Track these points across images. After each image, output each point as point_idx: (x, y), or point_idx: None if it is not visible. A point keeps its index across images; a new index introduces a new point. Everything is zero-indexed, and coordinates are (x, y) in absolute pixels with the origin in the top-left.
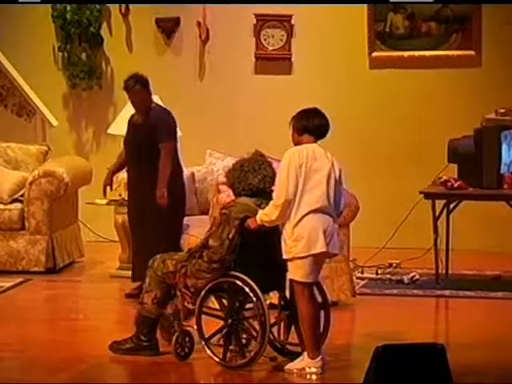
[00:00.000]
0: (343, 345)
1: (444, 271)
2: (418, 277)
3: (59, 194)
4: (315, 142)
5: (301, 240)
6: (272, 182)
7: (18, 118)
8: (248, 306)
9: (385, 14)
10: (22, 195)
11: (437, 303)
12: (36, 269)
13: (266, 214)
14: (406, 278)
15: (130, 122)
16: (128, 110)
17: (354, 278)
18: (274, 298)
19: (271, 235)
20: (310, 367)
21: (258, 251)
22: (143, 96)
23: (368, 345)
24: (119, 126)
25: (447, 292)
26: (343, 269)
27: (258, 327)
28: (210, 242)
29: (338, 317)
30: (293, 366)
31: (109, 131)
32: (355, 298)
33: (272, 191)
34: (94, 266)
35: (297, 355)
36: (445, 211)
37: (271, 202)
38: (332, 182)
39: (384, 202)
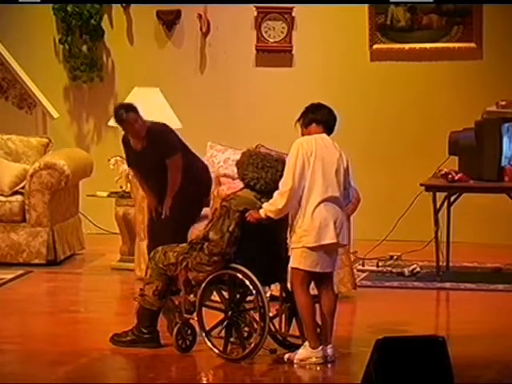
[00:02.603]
0: (344, 337)
1: (445, 263)
2: (418, 269)
3: (60, 187)
4: (323, 132)
5: (312, 230)
6: (267, 187)
7: (18, 111)
8: (249, 298)
9: (386, 6)
10: (22, 187)
11: (437, 296)
12: (37, 261)
13: (272, 204)
14: (406, 271)
15: (129, 146)
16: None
17: (355, 270)
18: (275, 289)
19: (274, 227)
20: (311, 357)
21: (261, 243)
22: (139, 122)
23: (368, 337)
24: None
25: (448, 284)
26: (344, 261)
27: (258, 319)
28: (211, 234)
29: (339, 309)
30: (294, 356)
31: (110, 123)
32: (356, 290)
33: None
34: (95, 259)
35: (298, 347)
36: (445, 204)
37: (276, 192)
38: (341, 171)
39: (385, 194)
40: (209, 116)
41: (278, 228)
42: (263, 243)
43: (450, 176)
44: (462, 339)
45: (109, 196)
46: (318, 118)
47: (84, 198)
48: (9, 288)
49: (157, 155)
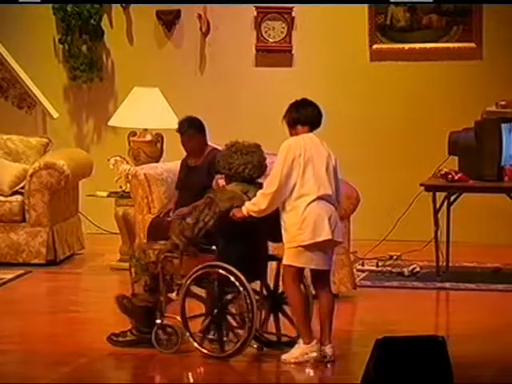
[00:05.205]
0: (343, 337)
1: (444, 263)
2: (418, 269)
3: (60, 186)
4: (310, 131)
5: (306, 228)
6: (255, 171)
7: (18, 110)
8: (230, 295)
9: (386, 6)
10: (22, 187)
11: (437, 295)
12: (36, 261)
13: (255, 204)
14: (406, 271)
15: (185, 164)
16: (129, 103)
17: (355, 270)
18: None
19: (256, 224)
20: (306, 353)
21: (243, 241)
22: (196, 140)
23: (368, 337)
24: (120, 118)
25: (448, 284)
26: (344, 261)
27: (245, 316)
28: (188, 219)
29: (339, 309)
30: (289, 356)
31: (109, 123)
32: (356, 290)
33: (261, 184)
34: (95, 258)
35: (272, 344)
36: (445, 204)
37: (260, 191)
38: (331, 170)
39: (384, 194)
40: (208, 116)
41: (260, 225)
42: (247, 241)
43: (449, 176)
44: (461, 339)
45: (108, 196)
46: (301, 118)
47: (84, 197)
48: (9, 288)
49: (207, 173)
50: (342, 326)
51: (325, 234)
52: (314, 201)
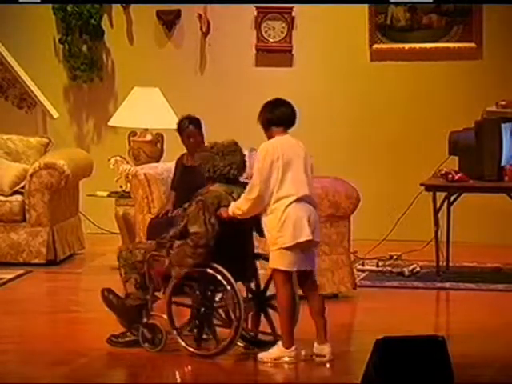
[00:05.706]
0: (343, 337)
1: (445, 263)
2: (418, 269)
3: (60, 186)
4: (285, 131)
5: (286, 230)
6: (239, 170)
7: (18, 110)
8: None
9: (386, 6)
10: (22, 187)
11: (437, 295)
12: (37, 261)
13: (238, 207)
14: (406, 271)
15: (180, 164)
16: (129, 103)
17: (355, 270)
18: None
19: (242, 225)
20: (283, 356)
21: (229, 241)
22: (196, 137)
23: (368, 337)
24: (120, 118)
25: (448, 284)
26: (344, 261)
27: (232, 314)
28: (195, 228)
29: (339, 309)
30: (267, 355)
31: (109, 123)
32: (356, 290)
33: (245, 183)
34: (95, 258)
35: (267, 344)
36: (445, 203)
37: (243, 195)
38: (309, 171)
39: (385, 194)
40: (208, 116)
41: (248, 226)
42: (233, 241)
43: (450, 176)
44: (461, 339)
45: (109, 196)
46: (274, 119)
47: (84, 197)
48: (9, 288)
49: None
50: (342, 325)
51: (305, 235)
52: (293, 202)
